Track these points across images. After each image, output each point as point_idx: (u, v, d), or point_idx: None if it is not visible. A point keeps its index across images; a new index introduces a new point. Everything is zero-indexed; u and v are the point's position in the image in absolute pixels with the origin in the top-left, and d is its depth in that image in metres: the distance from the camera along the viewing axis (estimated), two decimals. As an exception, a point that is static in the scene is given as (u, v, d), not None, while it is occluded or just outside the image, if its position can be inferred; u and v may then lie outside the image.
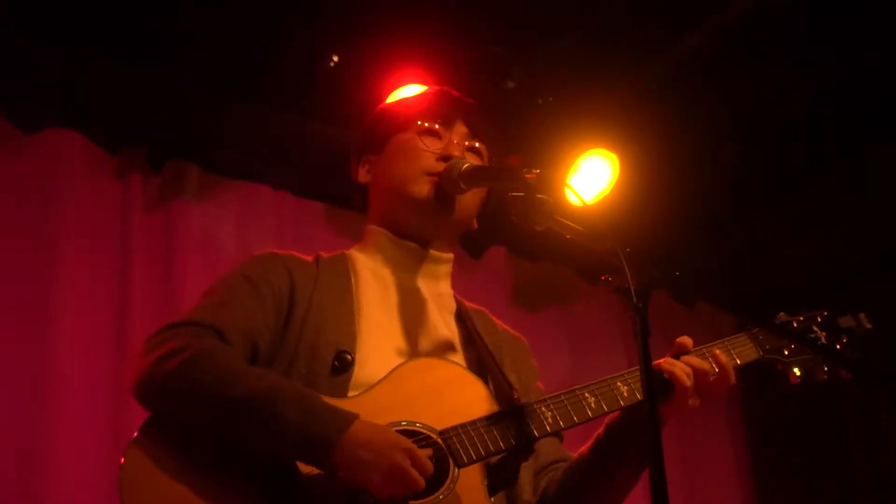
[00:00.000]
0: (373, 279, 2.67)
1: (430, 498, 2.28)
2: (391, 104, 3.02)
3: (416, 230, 2.75)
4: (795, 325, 2.96)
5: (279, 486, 2.27)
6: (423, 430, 2.38)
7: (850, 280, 5.86)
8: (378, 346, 2.55)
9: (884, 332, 5.69)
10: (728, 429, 6.11)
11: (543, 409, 2.53)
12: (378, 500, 2.22)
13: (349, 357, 2.48)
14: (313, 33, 4.42)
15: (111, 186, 4.56)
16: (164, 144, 4.68)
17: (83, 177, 4.47)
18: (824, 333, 3.00)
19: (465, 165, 2.63)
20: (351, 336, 2.53)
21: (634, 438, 2.56)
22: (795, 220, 5.54)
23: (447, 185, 2.68)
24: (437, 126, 2.80)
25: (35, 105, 4.40)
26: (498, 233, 5.52)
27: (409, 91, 4.49)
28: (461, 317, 2.80)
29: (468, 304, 2.88)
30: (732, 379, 2.64)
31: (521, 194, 2.46)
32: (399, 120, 2.85)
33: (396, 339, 2.60)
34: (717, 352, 2.67)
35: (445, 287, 2.82)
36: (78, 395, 4.17)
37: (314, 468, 2.25)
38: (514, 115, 4.76)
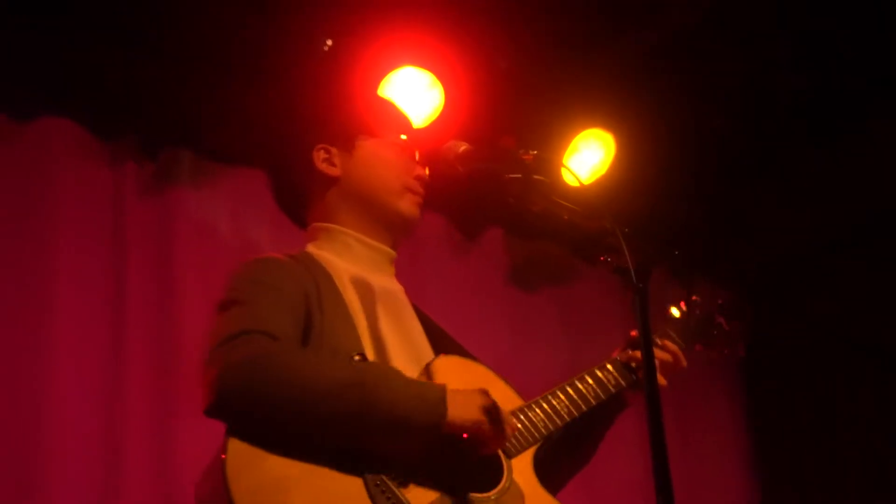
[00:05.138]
0: (349, 283, 2.64)
1: (497, 489, 2.41)
2: (357, 100, 2.98)
3: (389, 239, 2.77)
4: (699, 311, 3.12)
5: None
6: None
7: (846, 250, 5.86)
8: (379, 348, 2.55)
9: (877, 299, 5.77)
10: (727, 401, 6.12)
11: (554, 400, 2.68)
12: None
13: (365, 359, 2.48)
14: (307, 17, 4.40)
15: (105, 175, 4.53)
16: (158, 132, 4.66)
17: (77, 165, 4.44)
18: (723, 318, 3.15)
19: (462, 147, 2.62)
20: (357, 339, 2.53)
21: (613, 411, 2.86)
22: (792, 192, 5.53)
23: (443, 168, 2.68)
24: (403, 139, 2.83)
25: (27, 93, 4.38)
26: (494, 214, 5.50)
27: (400, 81, 4.50)
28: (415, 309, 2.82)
29: None
30: (684, 362, 2.93)
31: (518, 175, 2.47)
32: (370, 122, 2.83)
33: (392, 340, 2.60)
34: (667, 342, 2.93)
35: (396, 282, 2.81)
36: (72, 385, 4.14)
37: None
38: (508, 96, 4.75)
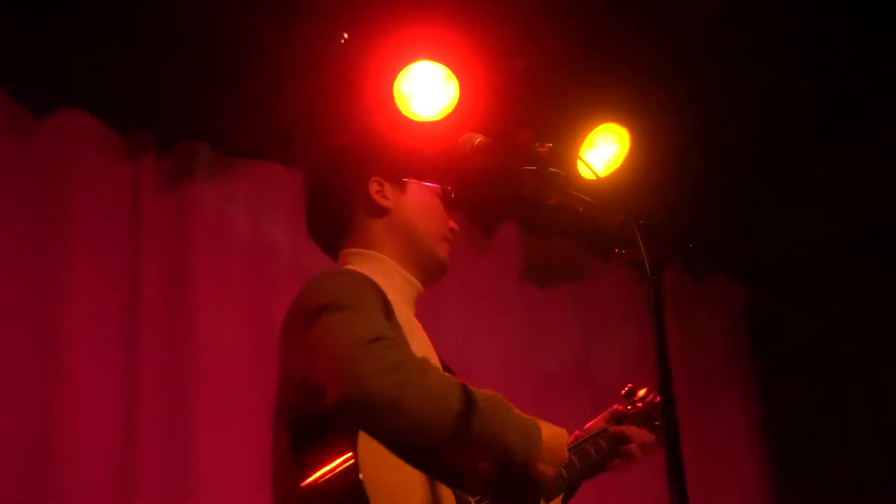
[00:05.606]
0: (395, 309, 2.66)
1: None
2: (403, 140, 2.99)
3: (422, 278, 2.81)
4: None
5: None
6: None
7: (864, 248, 5.86)
8: None
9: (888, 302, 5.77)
10: (741, 399, 6.11)
11: (576, 458, 2.86)
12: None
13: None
14: (323, 11, 4.41)
15: (122, 168, 4.55)
16: (174, 125, 4.68)
17: (93, 158, 4.46)
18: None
19: (478, 140, 2.63)
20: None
21: None
22: (808, 189, 5.52)
23: (459, 161, 2.69)
24: (444, 190, 2.89)
25: (45, 87, 4.40)
26: (509, 208, 5.51)
27: (416, 74, 4.51)
28: None
29: None
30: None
31: (534, 168, 2.47)
32: (419, 167, 2.88)
33: None
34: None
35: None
36: (88, 379, 4.17)
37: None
38: (523, 91, 4.75)
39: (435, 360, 2.69)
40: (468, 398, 2.30)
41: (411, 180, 2.84)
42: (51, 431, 4.04)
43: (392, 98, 4.60)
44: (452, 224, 2.87)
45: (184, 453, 4.24)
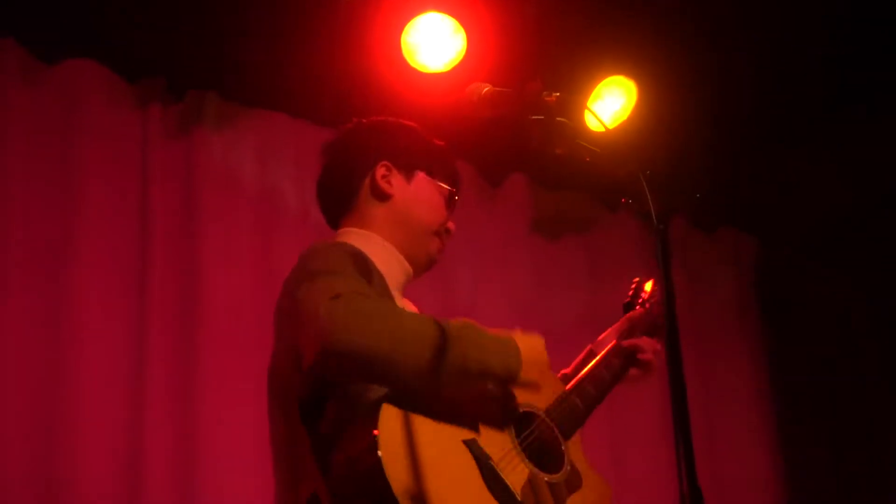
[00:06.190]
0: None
1: (562, 471, 2.59)
2: (423, 135, 2.98)
3: (411, 266, 2.85)
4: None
5: None
6: (539, 413, 2.64)
7: (880, 206, 5.84)
8: None
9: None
10: (749, 360, 6.11)
11: (587, 386, 2.89)
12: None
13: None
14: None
15: (131, 116, 4.56)
16: (183, 73, 4.68)
17: (103, 107, 4.47)
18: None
19: (486, 89, 2.63)
20: None
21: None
22: (821, 144, 5.50)
23: (466, 110, 2.69)
24: (449, 192, 2.92)
25: (54, 35, 4.40)
26: (517, 160, 5.50)
27: (423, 25, 4.50)
28: None
29: None
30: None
31: (541, 117, 2.48)
32: (431, 162, 2.91)
33: None
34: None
35: None
36: (98, 327, 4.21)
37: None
38: (530, 43, 4.73)
39: None
40: (441, 329, 2.35)
41: (420, 173, 2.87)
42: (61, 382, 4.07)
43: (399, 49, 4.59)
44: (450, 224, 2.91)
45: (191, 399, 4.27)
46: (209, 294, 4.40)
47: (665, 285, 2.17)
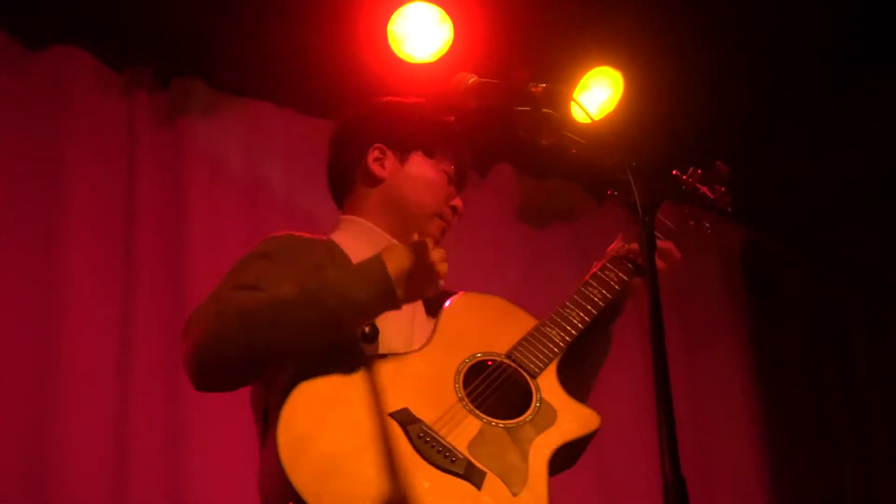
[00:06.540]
0: None
1: (529, 410, 2.51)
2: (425, 112, 2.96)
3: None
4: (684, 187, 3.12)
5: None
6: (495, 357, 2.59)
7: (859, 201, 5.85)
8: (387, 318, 2.55)
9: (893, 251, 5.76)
10: (735, 346, 6.12)
11: (565, 311, 2.78)
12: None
13: (374, 326, 2.51)
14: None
15: (118, 104, 4.55)
16: (170, 61, 4.67)
17: (89, 95, 4.46)
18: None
19: (472, 79, 2.63)
20: None
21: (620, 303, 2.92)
22: (807, 133, 5.51)
23: (452, 101, 2.69)
24: (452, 170, 2.88)
25: (41, 23, 4.39)
26: (504, 150, 5.50)
27: (410, 15, 4.49)
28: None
29: None
30: (678, 253, 2.96)
31: (527, 108, 2.48)
32: (429, 141, 2.87)
33: (400, 315, 2.60)
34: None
35: None
36: (85, 313, 4.21)
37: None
38: (517, 33, 4.74)
39: (421, 313, 2.73)
40: (293, 288, 2.35)
41: (416, 155, 2.84)
42: (48, 370, 4.06)
43: (386, 39, 4.59)
44: (455, 202, 2.88)
45: (178, 387, 4.24)
46: (197, 282, 4.39)
47: (650, 277, 2.17)
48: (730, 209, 3.08)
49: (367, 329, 2.47)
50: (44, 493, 3.92)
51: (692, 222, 3.10)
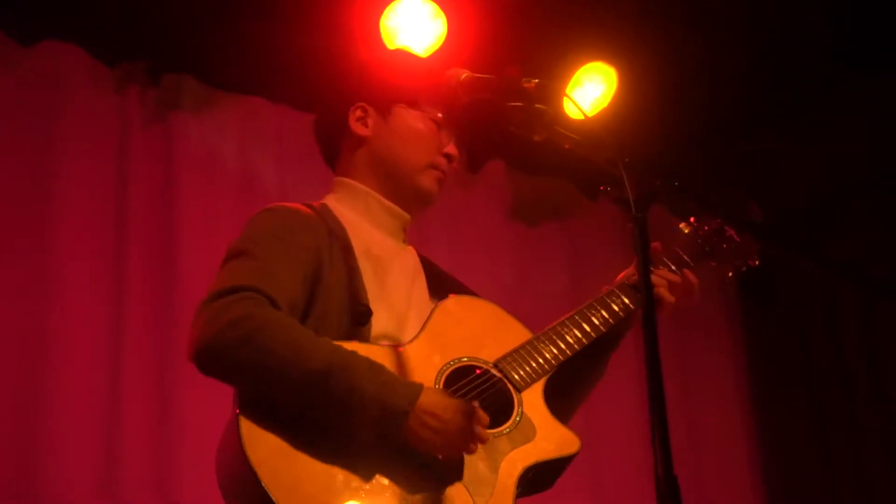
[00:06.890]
0: (364, 241, 2.66)
1: (508, 423, 2.45)
2: (402, 62, 2.95)
3: (406, 207, 2.78)
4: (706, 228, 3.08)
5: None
6: (482, 365, 2.54)
7: (851, 199, 5.85)
8: (383, 297, 2.57)
9: (885, 250, 5.74)
10: (728, 346, 6.12)
11: (563, 330, 2.67)
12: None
13: (367, 308, 2.51)
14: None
15: (110, 100, 4.55)
16: (162, 57, 4.66)
17: (81, 90, 4.46)
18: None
19: (465, 75, 2.61)
20: (364, 297, 2.54)
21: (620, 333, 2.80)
22: (798, 136, 5.50)
23: (445, 96, 2.68)
24: (440, 116, 2.80)
25: (32, 16, 4.37)
26: (496, 146, 5.49)
27: (403, 10, 4.48)
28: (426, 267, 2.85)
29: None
30: (694, 280, 2.85)
31: (520, 104, 2.47)
32: (410, 91, 2.82)
33: (395, 293, 2.63)
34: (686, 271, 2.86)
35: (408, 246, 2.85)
36: (76, 311, 4.20)
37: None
38: (510, 28, 4.73)
39: (420, 288, 2.72)
40: (332, 359, 2.29)
41: (399, 108, 2.79)
42: (40, 360, 4.06)
43: (379, 34, 4.58)
44: (449, 149, 2.80)
45: (167, 381, 4.26)
46: (188, 277, 4.38)
47: (643, 273, 2.16)
48: (757, 263, 3.06)
49: (360, 309, 2.47)
50: (34, 486, 3.92)
51: (714, 263, 3.04)
